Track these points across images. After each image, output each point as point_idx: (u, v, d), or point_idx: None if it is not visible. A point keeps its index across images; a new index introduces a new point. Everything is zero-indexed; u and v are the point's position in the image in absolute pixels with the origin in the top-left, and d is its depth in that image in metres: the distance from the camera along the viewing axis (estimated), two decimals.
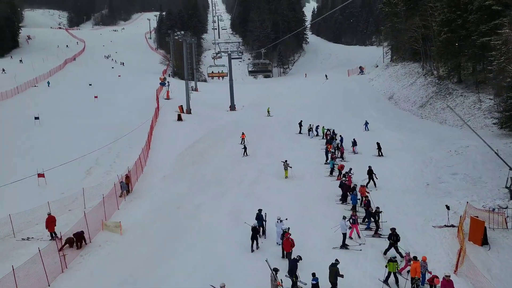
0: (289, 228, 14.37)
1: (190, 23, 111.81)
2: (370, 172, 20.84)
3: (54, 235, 17.00)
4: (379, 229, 15.18)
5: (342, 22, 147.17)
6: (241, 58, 58.36)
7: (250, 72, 48.52)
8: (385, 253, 13.57)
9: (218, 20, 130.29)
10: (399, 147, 28.97)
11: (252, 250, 14.87)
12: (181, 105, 47.02)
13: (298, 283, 11.83)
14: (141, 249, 15.67)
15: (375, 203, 16.67)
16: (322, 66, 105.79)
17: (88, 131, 36.04)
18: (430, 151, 25.82)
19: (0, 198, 21.18)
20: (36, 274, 13.31)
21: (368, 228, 15.67)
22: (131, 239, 16.72)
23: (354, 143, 29.15)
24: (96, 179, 25.89)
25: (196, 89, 67.61)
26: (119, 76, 76.56)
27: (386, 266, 12.08)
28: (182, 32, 48.10)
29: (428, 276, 11.47)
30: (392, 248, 13.25)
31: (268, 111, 46.26)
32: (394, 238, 13.17)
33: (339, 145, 28.61)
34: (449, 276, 10.71)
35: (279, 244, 14.51)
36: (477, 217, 14.39)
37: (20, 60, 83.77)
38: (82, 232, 16.17)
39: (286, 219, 15.22)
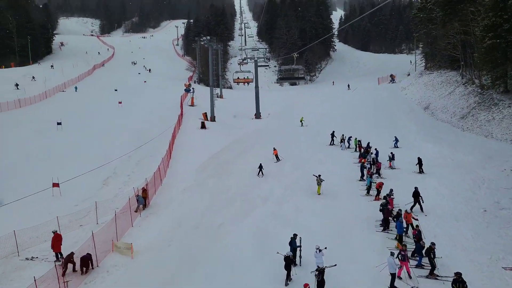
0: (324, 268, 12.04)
1: (217, 30, 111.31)
2: (417, 195, 18.10)
3: (59, 256, 15.38)
4: (435, 269, 12.57)
5: (370, 30, 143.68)
6: (268, 65, 56.45)
7: (280, 79, 45.17)
8: None
9: (245, 27, 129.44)
10: (442, 163, 26.15)
11: (287, 284, 12.71)
12: (205, 112, 45.53)
13: None
14: (152, 277, 13.74)
15: (425, 233, 14.15)
16: (350, 74, 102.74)
17: (110, 137, 35.00)
18: (480, 169, 22.94)
19: (12, 210, 19.84)
20: None
21: (420, 266, 13.10)
22: (142, 264, 14.85)
23: (392, 158, 26.52)
24: (112, 190, 24.46)
25: (221, 96, 66.29)
26: (145, 82, 76.42)
27: None
28: (208, 38, 46.71)
29: None
30: None
31: (302, 121, 43.35)
32: (459, 285, 10.59)
33: (375, 160, 26.05)
34: None
35: (318, 280, 12.07)
36: None
37: (51, 66, 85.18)
38: (89, 256, 14.41)
39: (326, 248, 12.96)
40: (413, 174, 24.53)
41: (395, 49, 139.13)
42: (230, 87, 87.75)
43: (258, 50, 56.05)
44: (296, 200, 20.85)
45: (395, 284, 12.01)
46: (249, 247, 15.33)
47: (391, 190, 19.23)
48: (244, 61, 51.36)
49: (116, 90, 62.99)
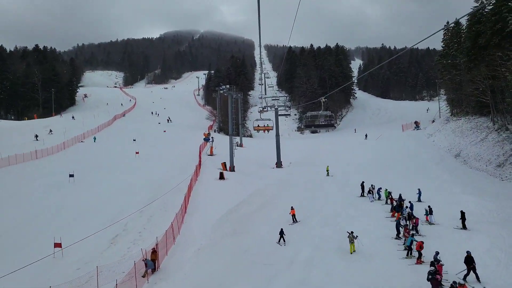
0: None
1: (237, 80, 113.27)
2: (470, 261, 15.30)
3: None
4: None
5: (389, 78, 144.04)
6: (289, 114, 55.48)
7: (306, 126, 42.84)
8: None
9: (264, 77, 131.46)
10: (488, 218, 23.19)
11: None
12: (224, 162, 43.92)
13: None
14: None
15: None
16: (372, 121, 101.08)
17: (123, 190, 33.44)
18: None
19: (6, 280, 17.85)
20: None
21: None
22: None
23: (430, 211, 23.72)
24: (120, 250, 22.28)
25: (241, 145, 65.14)
26: (165, 131, 76.39)
27: None
28: (227, 86, 46.25)
29: None
30: None
31: (328, 171, 41.11)
32: None
33: (411, 215, 23.26)
34: None
35: None
36: None
37: (72, 117, 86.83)
38: None
39: None
40: (456, 230, 21.65)
41: (416, 96, 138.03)
42: (250, 136, 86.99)
43: (278, 99, 55.10)
44: (326, 263, 18.21)
45: None
46: None
47: (437, 254, 16.44)
48: (264, 109, 50.46)
49: (134, 140, 62.74)
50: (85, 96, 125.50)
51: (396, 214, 24.19)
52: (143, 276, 18.02)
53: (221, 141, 59.99)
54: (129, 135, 66.78)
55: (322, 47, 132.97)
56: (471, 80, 47.68)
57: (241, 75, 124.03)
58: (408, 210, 24.45)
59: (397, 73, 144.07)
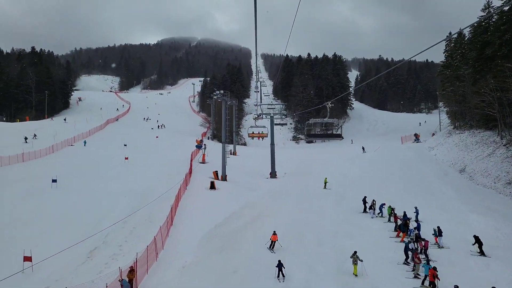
0: None
1: (233, 87, 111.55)
2: None
3: None
4: None
5: (387, 89, 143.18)
6: (285, 123, 53.54)
7: (309, 135, 39.01)
8: None
9: (260, 85, 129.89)
10: (505, 243, 21.18)
11: None
12: (216, 171, 41.79)
13: None
14: None
15: None
16: (369, 133, 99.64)
17: (107, 197, 31.20)
18: None
19: None
20: None
21: None
22: None
23: (439, 232, 21.69)
24: (97, 266, 20.06)
25: (234, 153, 63.07)
26: (157, 137, 74.40)
27: None
28: (222, 92, 44.28)
29: None
30: None
31: (325, 183, 38.54)
32: None
33: (419, 237, 21.18)
34: None
35: None
36: None
37: (64, 119, 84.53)
38: None
39: None
40: (471, 257, 19.57)
41: (414, 108, 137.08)
42: (245, 144, 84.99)
43: (274, 107, 53.07)
44: None
45: None
46: None
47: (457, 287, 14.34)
48: (260, 116, 48.55)
49: (125, 145, 60.59)
50: (79, 99, 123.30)
51: (401, 234, 22.18)
52: None
53: (214, 148, 57.92)
54: (120, 140, 64.59)
55: (319, 56, 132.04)
56: (477, 92, 45.84)
57: (237, 82, 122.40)
58: (416, 231, 22.30)
59: (395, 85, 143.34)
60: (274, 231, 21.72)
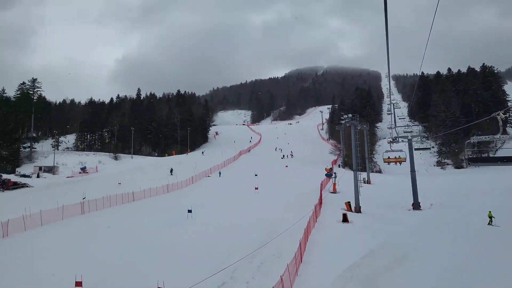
0: None
1: (363, 111, 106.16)
2: None
3: None
4: None
5: None
6: (428, 148, 47.14)
7: (471, 159, 32.77)
8: None
9: (393, 106, 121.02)
10: None
11: None
12: (349, 202, 38.30)
13: None
14: None
15: None
16: None
17: (235, 229, 30.78)
18: None
19: None
20: None
21: None
22: None
23: None
24: None
25: (368, 181, 58.19)
26: (287, 166, 74.38)
27: None
28: (350, 115, 41.16)
29: None
30: None
31: (491, 218, 29.28)
32: None
33: None
34: None
35: None
36: None
37: (202, 152, 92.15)
38: None
39: None
40: None
41: None
42: (379, 171, 78.58)
43: (411, 130, 47.43)
44: None
45: None
46: None
47: None
48: (395, 140, 43.57)
49: (256, 175, 61.69)
50: (216, 133, 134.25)
51: None
52: None
53: (345, 176, 54.37)
54: (252, 170, 66.37)
55: (462, 70, 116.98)
56: None
57: (367, 106, 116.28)
58: None
59: None
60: None
